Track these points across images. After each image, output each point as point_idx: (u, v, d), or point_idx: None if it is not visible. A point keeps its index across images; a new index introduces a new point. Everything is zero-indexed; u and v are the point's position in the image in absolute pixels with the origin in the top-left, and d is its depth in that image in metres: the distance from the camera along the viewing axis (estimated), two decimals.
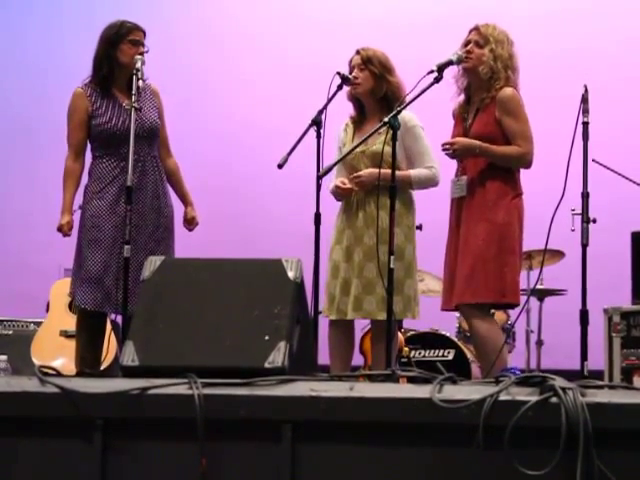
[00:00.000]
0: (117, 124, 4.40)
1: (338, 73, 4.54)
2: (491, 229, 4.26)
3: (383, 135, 4.35)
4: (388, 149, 4.28)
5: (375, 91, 4.63)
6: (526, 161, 4.34)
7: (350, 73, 4.61)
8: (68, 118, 4.50)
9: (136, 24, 4.47)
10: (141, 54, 4.37)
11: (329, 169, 4.30)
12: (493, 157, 4.30)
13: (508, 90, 4.28)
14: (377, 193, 4.34)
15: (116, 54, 4.41)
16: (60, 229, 4.45)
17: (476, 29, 4.37)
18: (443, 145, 4.32)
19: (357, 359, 4.85)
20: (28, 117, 7.78)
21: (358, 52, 4.67)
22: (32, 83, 7.90)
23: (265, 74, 7.76)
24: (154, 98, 4.56)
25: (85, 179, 4.54)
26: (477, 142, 4.29)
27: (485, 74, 4.30)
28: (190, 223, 4.66)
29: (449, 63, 4.17)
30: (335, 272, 4.55)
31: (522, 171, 4.41)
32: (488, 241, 4.25)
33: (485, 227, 4.26)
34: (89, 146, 4.53)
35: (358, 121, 4.72)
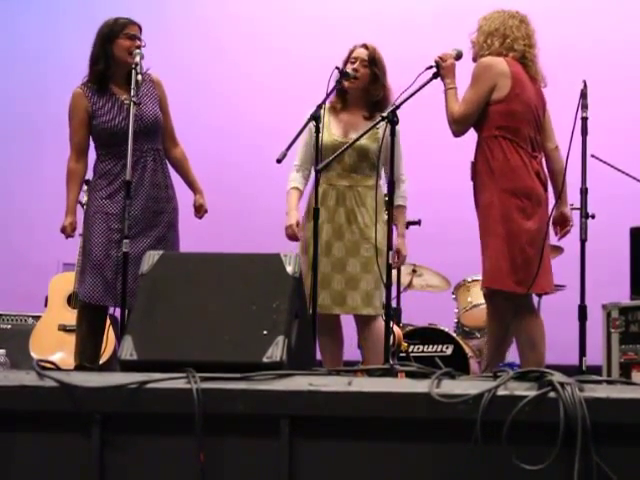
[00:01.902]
0: (117, 122, 4.39)
1: (337, 68, 4.54)
2: (477, 213, 4.22)
3: (372, 130, 4.37)
4: (374, 146, 4.46)
5: (369, 91, 4.63)
6: (451, 127, 4.24)
7: (348, 62, 4.58)
8: (69, 119, 4.49)
9: (130, 19, 4.45)
10: (137, 47, 4.35)
11: (328, 163, 4.31)
12: (445, 100, 4.25)
13: (483, 59, 4.22)
14: (357, 189, 4.51)
15: (112, 49, 4.39)
16: (63, 230, 4.45)
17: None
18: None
19: (355, 354, 4.85)
20: (29, 114, 7.77)
21: (366, 47, 4.64)
22: (33, 81, 7.88)
23: (264, 70, 7.75)
24: (155, 89, 4.53)
25: (89, 176, 4.54)
26: (454, 79, 4.25)
27: (478, 55, 4.29)
28: (198, 211, 4.64)
29: None
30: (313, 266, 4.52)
31: None
32: (479, 226, 4.21)
33: (478, 211, 4.23)
34: (92, 145, 4.52)
35: (338, 109, 4.69)
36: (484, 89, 4.17)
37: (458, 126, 4.22)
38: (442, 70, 4.20)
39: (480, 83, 4.19)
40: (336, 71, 4.50)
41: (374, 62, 4.61)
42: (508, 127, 4.19)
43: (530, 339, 4.15)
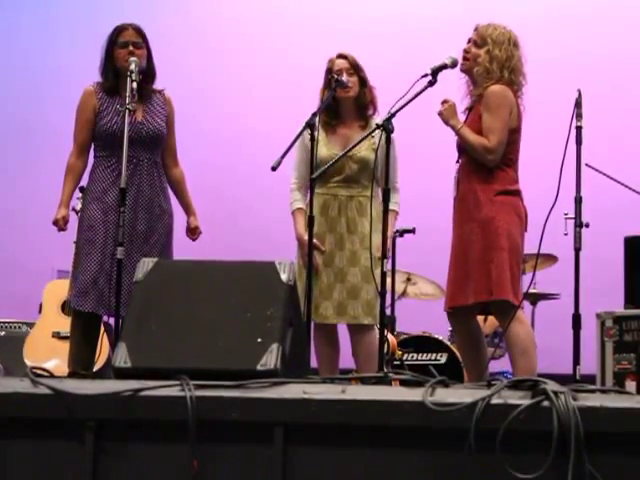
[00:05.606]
0: (119, 126, 4.39)
1: (332, 77, 4.56)
2: (473, 227, 4.21)
3: (369, 140, 4.40)
4: (373, 156, 4.47)
5: (360, 97, 4.66)
6: (487, 158, 4.20)
7: (330, 75, 4.59)
8: (76, 114, 4.50)
9: (123, 24, 4.47)
10: (130, 53, 4.36)
11: (322, 172, 4.32)
12: (461, 139, 4.27)
13: (495, 87, 4.22)
14: (358, 199, 4.54)
15: (113, 62, 4.44)
16: (55, 223, 4.43)
17: (476, 29, 4.35)
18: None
19: (350, 362, 4.84)
20: (23, 118, 7.75)
21: (344, 56, 4.67)
22: (29, 87, 7.85)
23: (261, 77, 7.76)
24: (165, 106, 4.56)
25: (85, 178, 4.53)
26: (458, 118, 4.27)
27: (479, 74, 4.28)
28: (193, 233, 4.64)
29: (443, 67, 4.16)
30: (315, 276, 4.52)
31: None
32: (472, 240, 4.19)
33: (469, 227, 4.22)
34: (92, 146, 4.53)
35: (329, 125, 4.69)
36: (507, 114, 4.21)
37: (496, 155, 4.21)
38: (443, 117, 4.25)
39: (502, 109, 4.20)
40: (332, 80, 4.52)
41: (357, 68, 4.66)
42: (511, 154, 4.27)
43: (522, 346, 4.17)
